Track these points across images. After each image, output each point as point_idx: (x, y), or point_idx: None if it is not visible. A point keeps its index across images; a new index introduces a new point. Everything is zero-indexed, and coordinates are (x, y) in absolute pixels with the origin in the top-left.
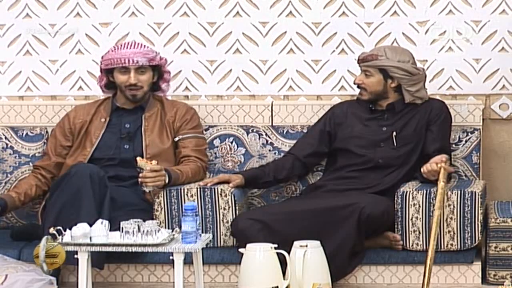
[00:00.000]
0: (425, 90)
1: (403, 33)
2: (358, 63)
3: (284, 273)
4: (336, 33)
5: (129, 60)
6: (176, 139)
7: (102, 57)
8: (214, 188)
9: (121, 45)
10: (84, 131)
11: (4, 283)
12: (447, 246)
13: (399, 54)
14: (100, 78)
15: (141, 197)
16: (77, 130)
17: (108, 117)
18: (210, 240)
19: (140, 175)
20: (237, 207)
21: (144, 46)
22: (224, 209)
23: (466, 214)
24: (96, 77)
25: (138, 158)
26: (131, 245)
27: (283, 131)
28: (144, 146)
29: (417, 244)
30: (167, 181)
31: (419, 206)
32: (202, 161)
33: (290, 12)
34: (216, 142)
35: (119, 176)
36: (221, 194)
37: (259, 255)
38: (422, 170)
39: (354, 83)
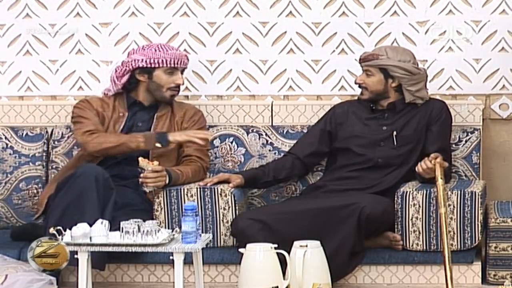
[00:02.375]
0: (426, 91)
1: (403, 33)
2: (359, 62)
3: (284, 273)
4: (336, 33)
5: (180, 61)
6: None
7: (138, 55)
8: (214, 188)
9: (163, 46)
10: (105, 126)
11: (4, 283)
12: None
13: (400, 53)
14: (118, 76)
15: (143, 197)
16: (99, 119)
17: (126, 112)
18: (210, 240)
19: (141, 175)
20: (237, 207)
21: (178, 48)
22: (224, 209)
23: (466, 214)
24: (96, 77)
25: (140, 158)
26: (131, 245)
27: (283, 131)
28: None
29: (417, 244)
30: (167, 181)
31: (419, 206)
32: (203, 161)
33: (290, 12)
34: (216, 142)
35: (122, 175)
36: (221, 194)
37: (259, 255)
38: (416, 169)
39: (355, 83)
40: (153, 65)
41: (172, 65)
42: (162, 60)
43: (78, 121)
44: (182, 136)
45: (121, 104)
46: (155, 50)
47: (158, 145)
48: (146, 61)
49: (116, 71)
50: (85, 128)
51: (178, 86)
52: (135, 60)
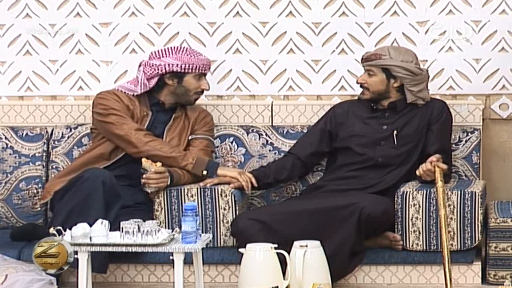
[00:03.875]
0: (428, 91)
1: (403, 33)
2: (361, 62)
3: (284, 273)
4: (336, 33)
5: (208, 67)
6: (190, 137)
7: (171, 59)
8: (214, 188)
9: (191, 50)
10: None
11: (4, 283)
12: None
13: (402, 54)
14: (149, 79)
15: (147, 197)
16: (129, 115)
17: (149, 112)
18: (210, 240)
19: (144, 176)
20: (237, 207)
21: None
22: (224, 209)
23: (466, 214)
24: (96, 77)
25: (143, 159)
26: (131, 245)
27: (283, 131)
28: None
29: (417, 244)
30: (169, 182)
31: (419, 206)
32: None
33: (290, 12)
34: (216, 142)
35: (129, 175)
36: (221, 194)
37: (259, 255)
38: (417, 172)
39: (357, 83)
40: (186, 70)
41: (202, 71)
42: (196, 66)
43: (113, 114)
44: (233, 172)
45: (143, 103)
46: (188, 55)
47: (204, 172)
48: (181, 66)
49: (145, 73)
50: (133, 124)
51: (202, 91)
52: (169, 64)
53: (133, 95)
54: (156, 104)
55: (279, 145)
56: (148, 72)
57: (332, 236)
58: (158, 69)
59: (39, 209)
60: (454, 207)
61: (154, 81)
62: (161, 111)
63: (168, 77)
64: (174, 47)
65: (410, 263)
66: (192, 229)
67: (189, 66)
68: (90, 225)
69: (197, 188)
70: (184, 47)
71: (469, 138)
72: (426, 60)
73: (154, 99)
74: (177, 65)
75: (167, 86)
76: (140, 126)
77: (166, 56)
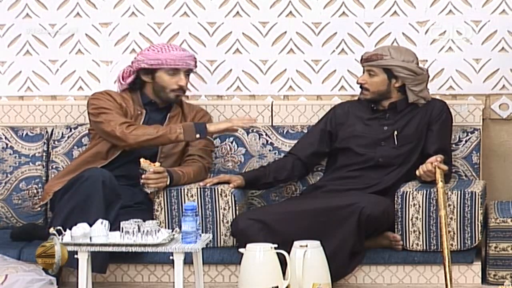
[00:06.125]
0: (428, 91)
1: (403, 33)
2: (361, 62)
3: (284, 273)
4: (336, 33)
5: (182, 63)
6: None
7: (141, 56)
8: (214, 188)
9: (168, 47)
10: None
11: (4, 283)
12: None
13: (403, 54)
14: (125, 76)
15: (147, 197)
16: (123, 113)
17: (143, 110)
18: (210, 240)
19: (143, 176)
20: (237, 207)
21: (184, 49)
22: (224, 209)
23: (466, 214)
24: (96, 77)
25: (142, 160)
26: (131, 245)
27: (283, 131)
28: (160, 146)
29: (417, 244)
30: (168, 182)
31: (419, 206)
32: (205, 160)
33: (290, 12)
34: (216, 142)
35: (130, 175)
36: (221, 194)
37: (259, 255)
38: (417, 172)
39: (357, 83)
40: (154, 67)
41: (173, 66)
42: (163, 61)
43: (103, 112)
44: (224, 124)
45: (137, 102)
46: (158, 51)
47: (197, 136)
48: (147, 63)
49: (124, 71)
50: (119, 119)
51: (181, 88)
52: (138, 61)
53: (127, 92)
54: (149, 103)
55: (279, 145)
56: (126, 70)
57: (332, 236)
58: (132, 67)
59: (39, 209)
60: (454, 207)
61: (130, 79)
62: (155, 110)
63: (142, 73)
64: (151, 45)
65: (410, 263)
66: (192, 229)
67: (156, 62)
68: (90, 225)
69: (197, 188)
70: (161, 44)
71: (469, 138)
72: (426, 60)
73: (146, 99)
74: (143, 61)
75: (147, 84)
76: (126, 119)
77: (139, 54)
